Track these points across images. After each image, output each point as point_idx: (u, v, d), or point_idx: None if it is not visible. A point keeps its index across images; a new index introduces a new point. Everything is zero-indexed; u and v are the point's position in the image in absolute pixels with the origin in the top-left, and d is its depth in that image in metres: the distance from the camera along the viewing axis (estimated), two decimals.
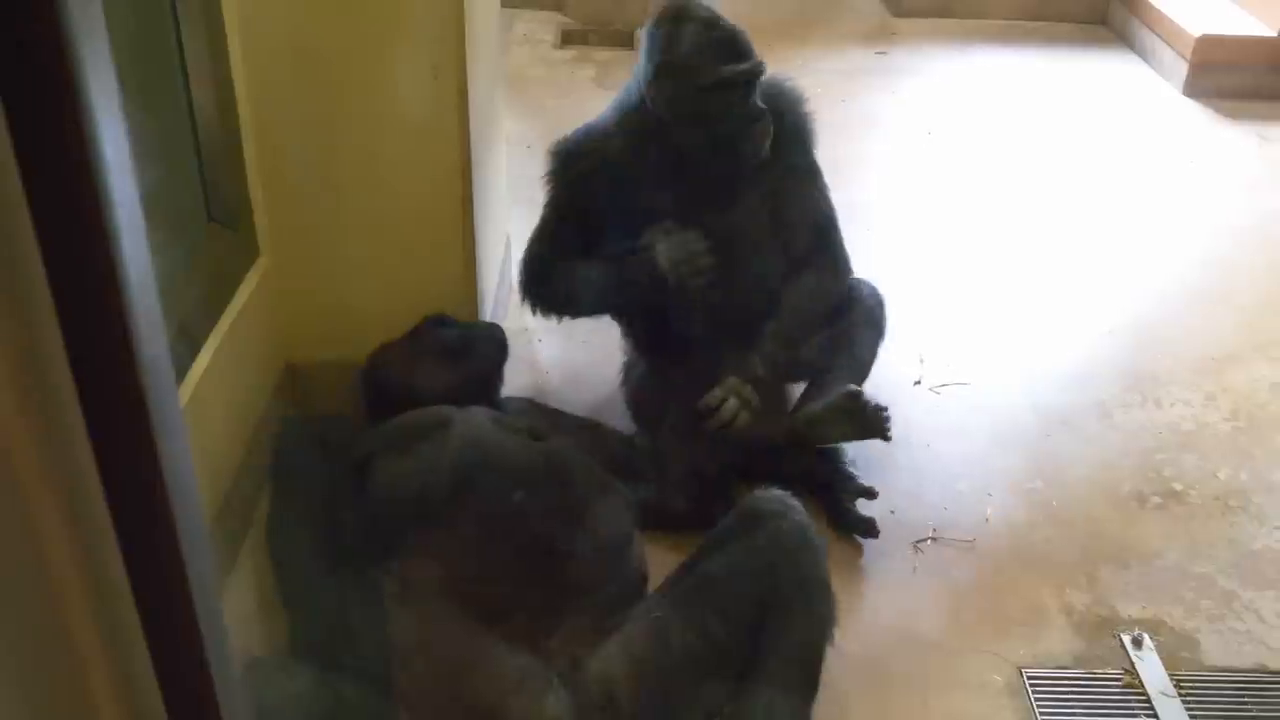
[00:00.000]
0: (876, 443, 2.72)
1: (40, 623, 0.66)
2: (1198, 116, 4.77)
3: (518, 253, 3.30)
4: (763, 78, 2.40)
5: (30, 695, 0.66)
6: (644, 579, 2.05)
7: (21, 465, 0.58)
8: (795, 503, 1.98)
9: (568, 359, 2.99)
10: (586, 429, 2.41)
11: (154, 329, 0.58)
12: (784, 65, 4.99)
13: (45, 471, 0.58)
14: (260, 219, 2.38)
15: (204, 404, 2.02)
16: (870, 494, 2.45)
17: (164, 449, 0.61)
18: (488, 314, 2.71)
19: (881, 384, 2.96)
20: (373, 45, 2.25)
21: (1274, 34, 4.82)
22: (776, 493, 2.00)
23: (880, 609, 2.29)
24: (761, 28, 5.37)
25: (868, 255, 3.49)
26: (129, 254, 0.55)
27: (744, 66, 2.35)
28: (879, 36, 5.42)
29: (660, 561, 2.09)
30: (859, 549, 2.42)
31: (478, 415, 2.00)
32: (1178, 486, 2.67)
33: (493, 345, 2.39)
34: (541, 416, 2.32)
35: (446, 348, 2.33)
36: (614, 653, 1.85)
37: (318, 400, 2.51)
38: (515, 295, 3.22)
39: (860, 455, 2.71)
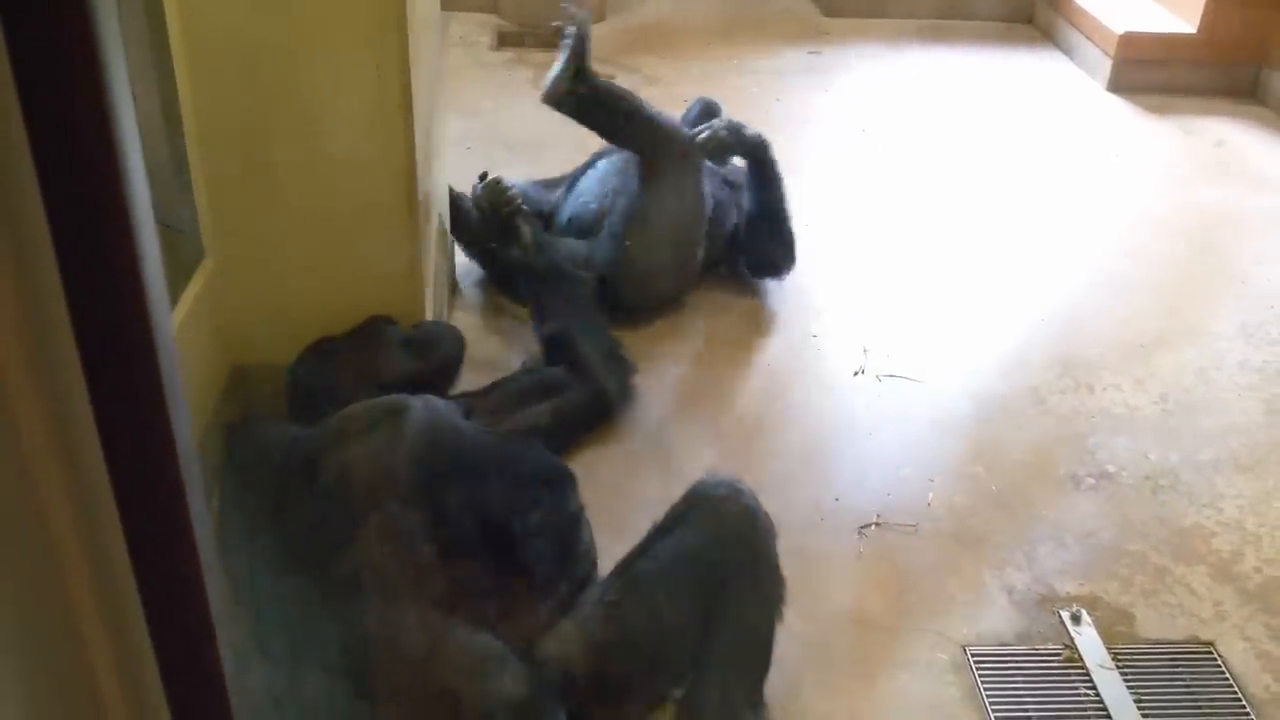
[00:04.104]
0: (820, 434, 2.79)
1: (52, 622, 0.67)
2: (1122, 111, 4.91)
3: (461, 256, 3.33)
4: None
5: (38, 683, 0.67)
6: (593, 563, 2.09)
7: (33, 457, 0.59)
8: (744, 486, 2.02)
9: (504, 359, 3.01)
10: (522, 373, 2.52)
11: (163, 311, 0.60)
12: (719, 65, 5.07)
13: (53, 453, 0.59)
14: (205, 221, 2.38)
15: None
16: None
17: (178, 434, 0.62)
18: (430, 314, 2.72)
19: (824, 375, 3.03)
20: (316, 46, 2.26)
21: (1194, 31, 4.96)
22: (725, 477, 2.04)
23: (828, 592, 2.34)
24: (696, 29, 5.45)
25: (807, 250, 3.56)
26: (146, 246, 0.57)
27: None
28: (811, 36, 5.50)
29: (609, 549, 2.12)
30: (806, 533, 2.47)
31: (434, 402, 2.02)
32: (1110, 468, 2.75)
33: (454, 342, 2.43)
34: (482, 397, 2.37)
35: (411, 341, 2.36)
36: (569, 634, 1.88)
37: (265, 402, 2.51)
38: (459, 295, 3.24)
39: (803, 445, 2.77)
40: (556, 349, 2.70)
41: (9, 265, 0.51)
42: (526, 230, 2.98)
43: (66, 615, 0.68)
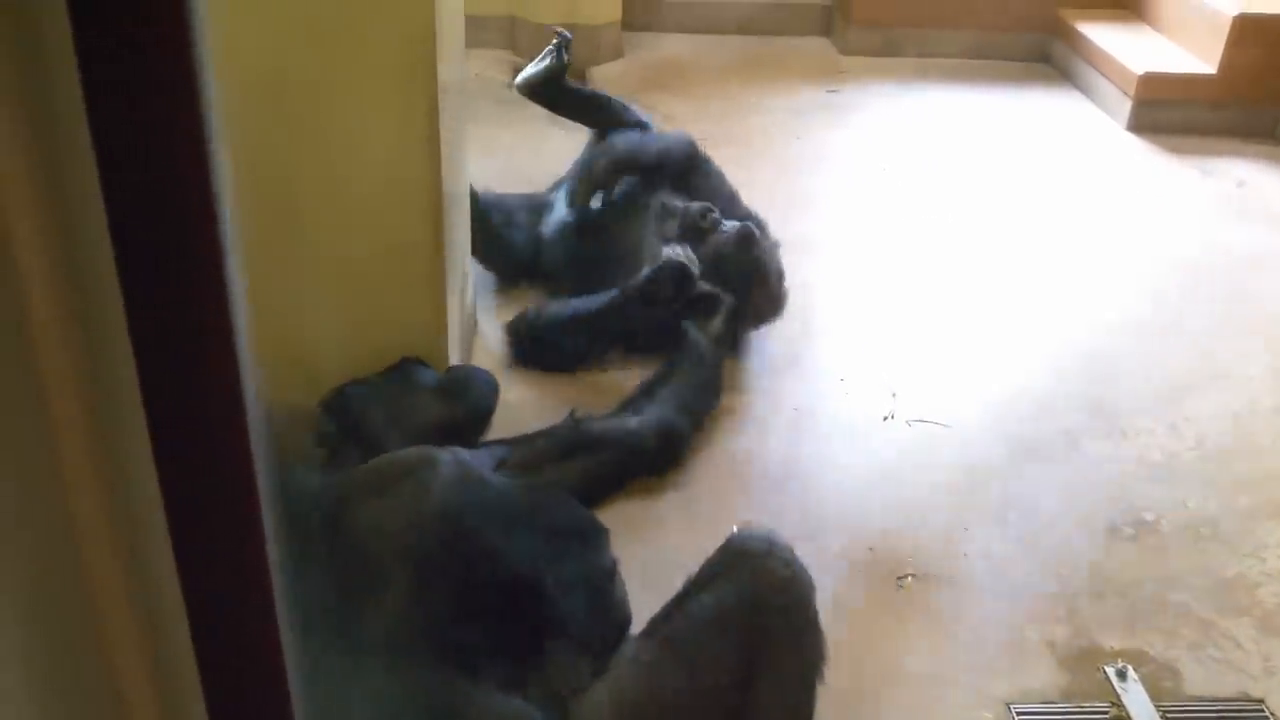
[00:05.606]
0: (850, 481, 2.73)
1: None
2: (1141, 152, 4.87)
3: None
4: None
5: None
6: (627, 620, 2.02)
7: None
8: (781, 540, 1.96)
9: (536, 398, 2.95)
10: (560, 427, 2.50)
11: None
12: (736, 104, 5.04)
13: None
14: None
15: None
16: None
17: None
18: (455, 355, 2.67)
19: (853, 419, 2.97)
20: (343, 85, 2.22)
21: (1214, 72, 4.93)
22: (760, 531, 1.97)
23: (867, 646, 2.27)
24: (714, 68, 5.43)
25: (828, 290, 3.51)
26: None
27: None
28: (829, 75, 5.47)
29: (635, 601, 2.06)
30: (840, 585, 2.40)
31: (462, 455, 1.96)
32: (1149, 516, 2.68)
33: (487, 389, 2.38)
34: (519, 447, 2.31)
35: (443, 385, 2.30)
36: (601, 696, 1.81)
37: (286, 445, 2.46)
38: (480, 338, 3.20)
39: (833, 492, 2.71)
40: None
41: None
42: (720, 321, 2.92)
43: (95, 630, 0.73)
